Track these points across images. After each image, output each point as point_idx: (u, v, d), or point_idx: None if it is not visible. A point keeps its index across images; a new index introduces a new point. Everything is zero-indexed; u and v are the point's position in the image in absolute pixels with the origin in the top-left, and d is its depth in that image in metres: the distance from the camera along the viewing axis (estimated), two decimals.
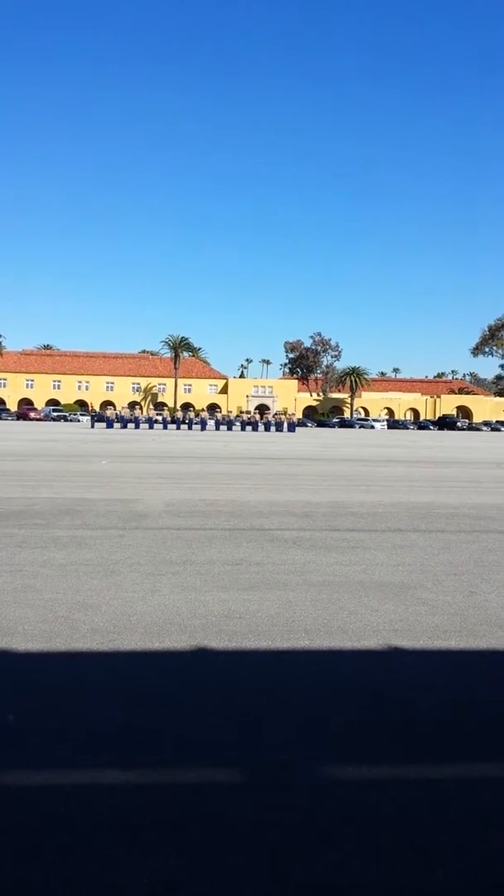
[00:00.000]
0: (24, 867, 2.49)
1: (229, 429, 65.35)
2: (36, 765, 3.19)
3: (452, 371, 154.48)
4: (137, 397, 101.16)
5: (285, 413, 75.31)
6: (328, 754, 3.33)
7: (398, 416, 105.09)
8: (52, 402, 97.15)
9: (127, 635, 4.89)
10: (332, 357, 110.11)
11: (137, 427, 63.70)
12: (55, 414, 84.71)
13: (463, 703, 3.97)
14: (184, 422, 68.11)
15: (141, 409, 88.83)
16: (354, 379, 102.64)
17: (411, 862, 2.56)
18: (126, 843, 2.63)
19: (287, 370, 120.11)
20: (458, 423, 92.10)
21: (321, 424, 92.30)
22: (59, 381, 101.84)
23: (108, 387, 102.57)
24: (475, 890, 2.45)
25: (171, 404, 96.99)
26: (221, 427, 66.70)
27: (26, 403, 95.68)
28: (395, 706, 3.91)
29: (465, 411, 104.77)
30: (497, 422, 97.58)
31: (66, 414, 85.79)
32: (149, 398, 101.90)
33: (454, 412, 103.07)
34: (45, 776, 3.09)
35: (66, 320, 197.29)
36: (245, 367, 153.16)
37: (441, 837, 2.71)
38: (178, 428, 65.36)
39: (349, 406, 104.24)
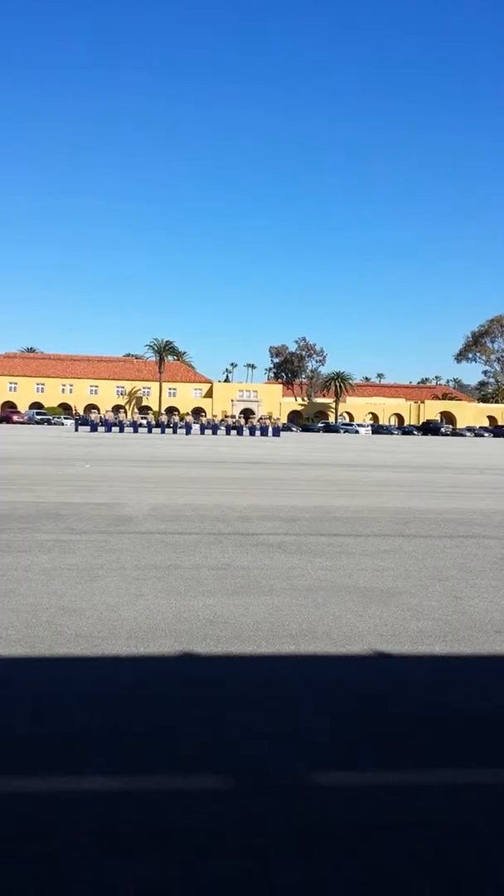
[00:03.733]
0: (1, 876, 2.46)
1: (214, 433, 65.32)
2: (17, 771, 3.15)
3: (436, 377, 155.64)
4: (122, 401, 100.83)
5: (270, 417, 75.28)
6: (314, 760, 3.32)
7: (382, 421, 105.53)
8: (36, 406, 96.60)
9: (111, 640, 4.86)
10: (316, 362, 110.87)
11: (122, 431, 63.43)
12: (38, 417, 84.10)
13: (448, 709, 3.98)
14: (168, 426, 67.89)
15: (125, 412, 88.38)
16: (339, 384, 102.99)
17: (397, 870, 2.56)
18: (109, 851, 2.60)
19: (272, 375, 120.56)
20: (442, 429, 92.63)
21: (306, 429, 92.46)
22: (43, 385, 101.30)
23: (92, 390, 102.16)
24: None
25: (155, 408, 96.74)
26: (206, 431, 66.63)
27: (9, 407, 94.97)
28: (379, 712, 3.91)
29: (448, 417, 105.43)
30: (480, 427, 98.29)
31: (50, 417, 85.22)
32: (133, 402, 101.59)
33: (438, 417, 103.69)
34: (27, 783, 3.05)
35: (50, 323, 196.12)
36: (230, 372, 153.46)
37: (426, 845, 2.71)
38: (163, 432, 65.16)
39: (334, 411, 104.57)
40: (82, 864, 2.53)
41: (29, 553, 7.73)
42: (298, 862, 2.57)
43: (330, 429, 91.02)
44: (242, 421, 72.83)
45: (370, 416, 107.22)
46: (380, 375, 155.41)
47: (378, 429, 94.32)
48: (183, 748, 3.41)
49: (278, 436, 64.09)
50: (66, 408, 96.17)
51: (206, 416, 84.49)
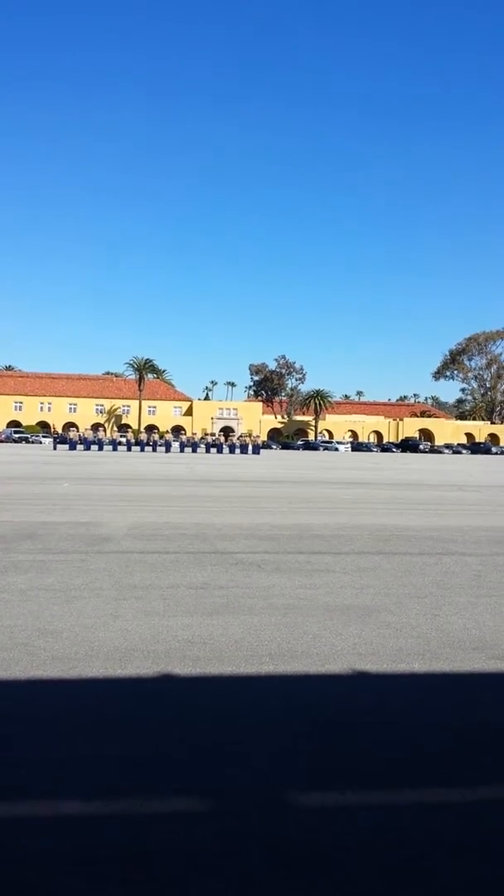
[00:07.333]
0: None
1: (194, 451, 65.16)
2: None
3: (415, 394, 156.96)
4: (101, 419, 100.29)
5: (250, 435, 75.36)
6: (293, 781, 3.31)
7: (362, 438, 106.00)
8: (14, 424, 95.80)
9: (89, 662, 4.82)
10: (296, 380, 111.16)
11: (101, 449, 63.11)
12: (16, 435, 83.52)
13: (426, 728, 3.98)
14: (148, 444, 67.58)
15: (104, 430, 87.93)
16: (318, 402, 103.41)
17: (377, 890, 2.55)
18: (87, 876, 2.57)
19: (252, 393, 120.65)
20: (421, 446, 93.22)
21: (286, 447, 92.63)
22: (21, 403, 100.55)
23: (71, 408, 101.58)
24: None
25: (135, 426, 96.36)
26: (186, 449, 66.45)
27: None
28: (359, 731, 3.91)
29: (427, 434, 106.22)
30: (458, 444, 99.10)
31: (28, 436, 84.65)
32: (112, 420, 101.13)
33: (416, 435, 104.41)
34: (3, 808, 3.00)
35: (29, 341, 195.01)
36: (210, 390, 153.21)
37: (406, 864, 2.70)
38: (143, 450, 64.86)
39: (313, 428, 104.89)
40: (60, 890, 2.49)
41: (5, 573, 7.65)
42: (279, 883, 2.55)
43: (309, 446, 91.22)
44: (222, 439, 72.65)
45: (350, 433, 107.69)
46: (359, 393, 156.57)
47: (357, 446, 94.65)
48: (161, 770, 3.38)
49: (258, 454, 64.07)
50: (44, 426, 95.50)
51: (185, 433, 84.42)
